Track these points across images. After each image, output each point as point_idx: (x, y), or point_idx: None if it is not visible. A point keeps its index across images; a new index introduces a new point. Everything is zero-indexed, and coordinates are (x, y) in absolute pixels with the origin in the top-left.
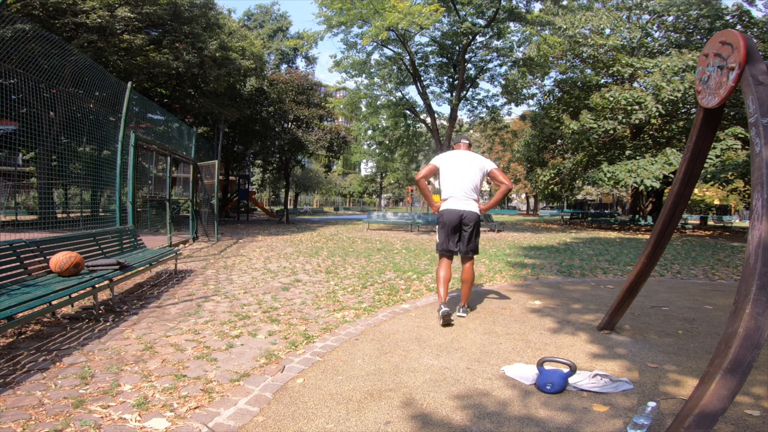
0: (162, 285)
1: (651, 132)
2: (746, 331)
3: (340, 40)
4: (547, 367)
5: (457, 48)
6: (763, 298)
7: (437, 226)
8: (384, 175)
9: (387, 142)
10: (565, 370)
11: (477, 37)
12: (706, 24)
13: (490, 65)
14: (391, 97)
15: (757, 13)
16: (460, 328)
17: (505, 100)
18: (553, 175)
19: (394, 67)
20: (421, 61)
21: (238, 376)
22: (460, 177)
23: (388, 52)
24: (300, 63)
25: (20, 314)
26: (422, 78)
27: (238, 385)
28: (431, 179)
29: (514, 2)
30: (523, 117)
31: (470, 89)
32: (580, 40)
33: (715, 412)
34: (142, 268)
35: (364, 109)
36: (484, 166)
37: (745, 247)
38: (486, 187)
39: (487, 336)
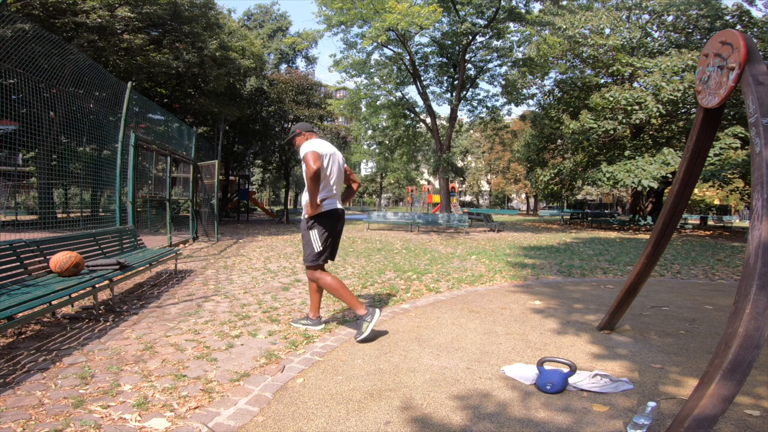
0: (162, 285)
1: (651, 132)
2: (746, 331)
3: (339, 39)
4: (547, 367)
5: (457, 48)
6: (763, 298)
7: (319, 231)
8: (384, 175)
9: (387, 142)
10: (565, 370)
11: (477, 37)
12: (705, 24)
13: (490, 65)
14: (391, 97)
15: (757, 13)
16: (460, 328)
17: (505, 100)
18: (553, 175)
19: (394, 67)
20: (421, 61)
21: (238, 376)
22: (339, 172)
23: (388, 52)
24: (300, 63)
25: (20, 314)
26: (422, 78)
27: (238, 385)
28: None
29: (514, 2)
30: (523, 117)
31: (470, 89)
32: (580, 40)
33: (715, 412)
34: (142, 268)
35: (364, 109)
36: (343, 161)
37: (745, 247)
38: (486, 187)
39: (487, 336)
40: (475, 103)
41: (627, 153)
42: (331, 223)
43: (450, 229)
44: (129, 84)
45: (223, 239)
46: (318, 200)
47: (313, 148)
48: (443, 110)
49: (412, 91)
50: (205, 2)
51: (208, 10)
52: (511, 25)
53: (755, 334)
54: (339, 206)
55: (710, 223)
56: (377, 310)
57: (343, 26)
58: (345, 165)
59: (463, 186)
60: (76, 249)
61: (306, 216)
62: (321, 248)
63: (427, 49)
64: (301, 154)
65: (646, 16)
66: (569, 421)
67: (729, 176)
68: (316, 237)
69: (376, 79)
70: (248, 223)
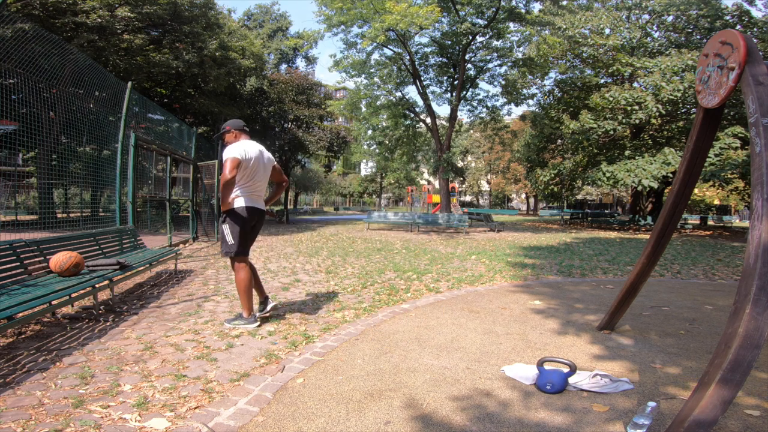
0: (162, 285)
1: (651, 132)
2: (746, 331)
3: (339, 39)
4: (547, 367)
5: (457, 48)
6: (763, 298)
7: (231, 226)
8: (384, 175)
9: (387, 142)
10: (565, 370)
11: (477, 37)
12: (705, 24)
13: (490, 65)
14: (391, 97)
15: (757, 13)
16: (460, 328)
17: (505, 100)
18: (553, 175)
19: (393, 67)
20: (421, 61)
21: (238, 376)
22: (263, 172)
23: (388, 52)
24: (300, 63)
25: (20, 314)
26: (422, 78)
27: (238, 385)
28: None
29: (514, 2)
30: (523, 117)
31: (470, 89)
32: (580, 40)
33: (715, 412)
34: (142, 268)
35: (364, 109)
36: (274, 162)
37: (745, 247)
38: (486, 187)
39: (487, 336)
40: (475, 103)
41: (627, 153)
42: (244, 220)
43: (450, 229)
44: (129, 84)
45: None
46: (230, 199)
47: (235, 154)
48: (443, 110)
49: (412, 91)
50: (205, 2)
51: (208, 10)
52: (511, 25)
53: (755, 334)
54: (256, 205)
55: (710, 223)
56: (257, 323)
57: (343, 26)
58: (275, 164)
59: (463, 186)
60: (76, 249)
61: (222, 210)
62: (234, 241)
63: (427, 49)
64: (224, 156)
65: (646, 16)
66: (569, 421)
67: (729, 176)
68: (228, 231)
69: (376, 79)
70: None
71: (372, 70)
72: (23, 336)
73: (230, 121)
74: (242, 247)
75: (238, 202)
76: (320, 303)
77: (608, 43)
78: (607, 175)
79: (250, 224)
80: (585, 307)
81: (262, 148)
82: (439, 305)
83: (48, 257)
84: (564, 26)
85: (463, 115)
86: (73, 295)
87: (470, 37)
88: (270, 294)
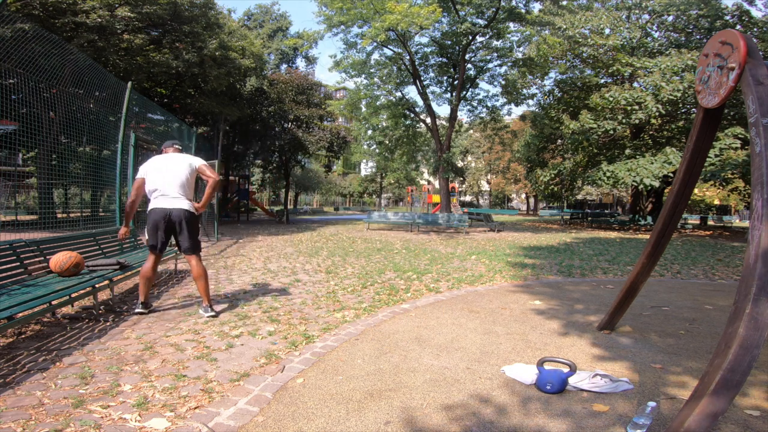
0: (162, 285)
1: (651, 132)
2: (746, 331)
3: (339, 39)
4: (547, 367)
5: (457, 48)
6: (763, 298)
7: (147, 225)
8: (384, 175)
9: (387, 142)
10: (565, 370)
11: (477, 37)
12: (705, 24)
13: (490, 65)
14: (391, 98)
15: (756, 13)
16: (460, 328)
17: (505, 100)
18: (553, 175)
19: (393, 67)
20: (420, 61)
21: (238, 376)
22: (168, 177)
23: (388, 52)
24: (300, 63)
25: (20, 314)
26: (422, 78)
27: (238, 385)
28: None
29: (514, 2)
30: (523, 117)
31: (470, 89)
32: (580, 40)
33: (714, 412)
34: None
35: (364, 109)
36: (192, 163)
37: (745, 247)
38: (486, 187)
39: (487, 336)
40: (475, 103)
41: (627, 152)
42: (151, 220)
43: (450, 229)
44: (129, 84)
45: (223, 239)
46: (128, 206)
47: (138, 175)
48: (443, 110)
49: (412, 91)
50: (205, 2)
51: (208, 10)
52: (511, 25)
53: (755, 335)
54: (160, 206)
55: (710, 223)
56: (145, 312)
57: (343, 26)
58: (199, 164)
59: (463, 186)
60: (76, 249)
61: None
62: (147, 237)
63: (427, 49)
64: None
65: (646, 16)
66: (569, 421)
67: (729, 176)
68: (146, 230)
69: (376, 79)
70: (248, 223)
71: (372, 70)
72: (23, 336)
73: (166, 142)
74: (152, 243)
75: (149, 206)
76: (320, 303)
77: (608, 43)
78: (608, 174)
79: (160, 224)
80: (585, 307)
81: (172, 156)
82: (439, 305)
83: (48, 257)
84: (564, 26)
85: (463, 115)
86: (73, 295)
87: (470, 37)
88: (271, 294)
